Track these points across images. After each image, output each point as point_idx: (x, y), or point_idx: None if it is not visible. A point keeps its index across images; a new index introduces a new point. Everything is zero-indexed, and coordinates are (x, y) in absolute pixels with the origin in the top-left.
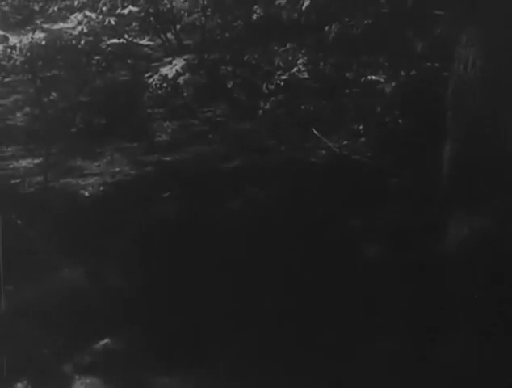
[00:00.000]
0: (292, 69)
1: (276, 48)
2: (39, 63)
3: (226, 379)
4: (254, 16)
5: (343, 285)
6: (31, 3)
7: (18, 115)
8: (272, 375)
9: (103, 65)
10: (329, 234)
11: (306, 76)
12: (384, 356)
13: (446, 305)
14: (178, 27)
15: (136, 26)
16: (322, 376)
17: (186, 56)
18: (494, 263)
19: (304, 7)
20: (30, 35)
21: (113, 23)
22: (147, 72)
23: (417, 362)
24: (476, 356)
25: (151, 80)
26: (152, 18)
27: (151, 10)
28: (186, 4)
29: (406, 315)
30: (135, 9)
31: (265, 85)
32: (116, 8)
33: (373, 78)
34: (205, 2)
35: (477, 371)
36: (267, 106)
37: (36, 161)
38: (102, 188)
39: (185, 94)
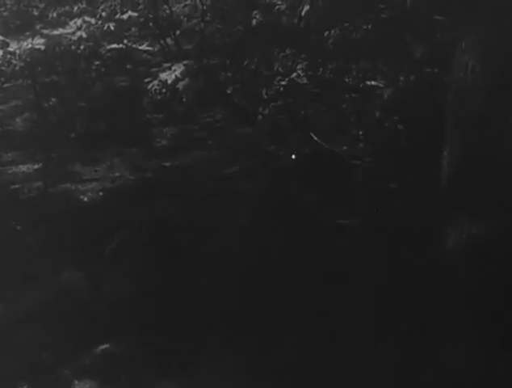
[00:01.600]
0: (292, 74)
1: (276, 53)
2: (39, 68)
3: (225, 382)
4: (254, 21)
5: (343, 290)
6: (30, 9)
7: (18, 120)
8: (272, 376)
9: (103, 70)
10: (329, 237)
11: (305, 81)
12: (381, 358)
13: (444, 310)
14: (178, 32)
15: (135, 31)
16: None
17: (185, 62)
18: (493, 268)
19: (303, 13)
20: (29, 40)
21: (112, 28)
22: (146, 77)
23: (416, 366)
24: (474, 360)
25: (150, 85)
26: (151, 24)
27: (150, 16)
28: (186, 9)
29: (404, 318)
30: (134, 14)
31: (264, 90)
32: (116, 13)
33: (372, 83)
34: (205, 8)
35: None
36: (266, 111)
37: (36, 166)
38: (101, 194)
39: (184, 99)
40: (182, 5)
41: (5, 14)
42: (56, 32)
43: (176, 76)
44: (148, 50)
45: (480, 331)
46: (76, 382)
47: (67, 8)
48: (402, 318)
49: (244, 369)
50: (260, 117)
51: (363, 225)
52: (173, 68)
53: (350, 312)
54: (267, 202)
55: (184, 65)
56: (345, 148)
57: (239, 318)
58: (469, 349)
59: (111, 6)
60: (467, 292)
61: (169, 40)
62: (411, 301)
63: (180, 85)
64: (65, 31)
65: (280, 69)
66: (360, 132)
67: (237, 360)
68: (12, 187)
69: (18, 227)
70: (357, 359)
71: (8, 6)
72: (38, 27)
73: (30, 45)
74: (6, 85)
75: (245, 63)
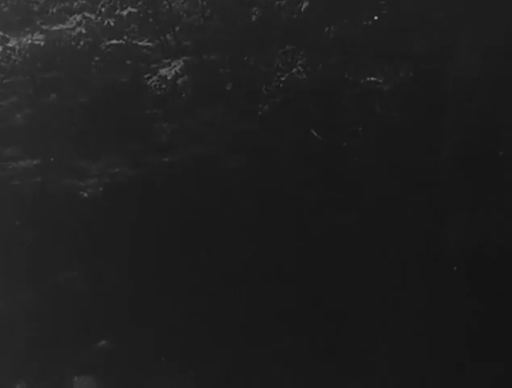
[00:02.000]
0: (291, 70)
1: (275, 49)
2: (38, 64)
3: (223, 379)
4: (253, 17)
5: (342, 288)
6: (30, 4)
7: (18, 116)
8: (270, 375)
9: (102, 66)
10: (328, 233)
11: (305, 77)
12: (380, 357)
13: (444, 309)
14: (177, 28)
15: (135, 27)
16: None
17: (185, 58)
18: (493, 266)
19: (302, 9)
20: (29, 36)
21: (112, 24)
22: (146, 73)
23: (415, 365)
24: (473, 360)
25: (150, 81)
26: (151, 20)
27: (150, 12)
28: (185, 5)
29: (403, 318)
30: (134, 10)
31: (264, 86)
32: (115, 9)
33: (372, 78)
34: (204, 3)
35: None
36: (266, 107)
37: (35, 162)
38: (101, 189)
39: (184, 95)
40: (182, 0)
41: (5, 9)
42: (55, 28)
43: (176, 72)
44: (147, 46)
45: (480, 329)
46: (75, 379)
47: (67, 4)
48: (402, 317)
49: (243, 367)
50: (260, 113)
51: (362, 222)
52: (172, 64)
53: (349, 311)
54: (267, 197)
55: (184, 60)
56: (344, 144)
57: (238, 316)
58: (468, 348)
59: (110, 1)
60: (467, 291)
61: (168, 36)
62: (411, 300)
63: (180, 81)
64: (65, 26)
65: (280, 65)
66: (360, 128)
67: (237, 359)
68: (12, 182)
69: (18, 222)
70: (357, 359)
71: (8, 2)
72: (38, 22)
73: (30, 41)
74: (5, 80)
75: (245, 59)
